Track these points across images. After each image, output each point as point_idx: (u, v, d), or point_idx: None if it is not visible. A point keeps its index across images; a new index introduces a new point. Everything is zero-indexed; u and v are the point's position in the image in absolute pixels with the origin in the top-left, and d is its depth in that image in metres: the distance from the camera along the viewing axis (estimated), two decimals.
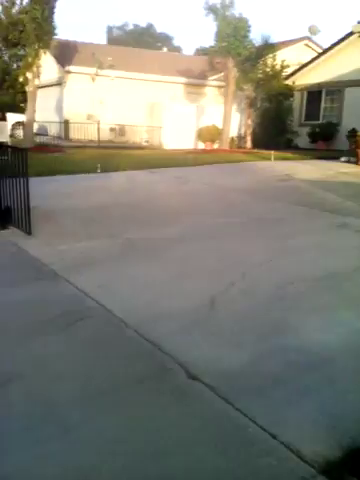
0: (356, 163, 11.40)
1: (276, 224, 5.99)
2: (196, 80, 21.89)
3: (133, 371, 2.59)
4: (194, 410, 2.27)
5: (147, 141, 19.83)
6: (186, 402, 2.33)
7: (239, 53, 17.28)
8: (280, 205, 7.09)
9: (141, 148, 17.84)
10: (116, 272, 4.21)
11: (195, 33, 66.02)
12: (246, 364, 2.66)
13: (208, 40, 57.16)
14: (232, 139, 19.05)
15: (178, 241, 5.15)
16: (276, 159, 13.10)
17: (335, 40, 17.97)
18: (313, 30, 23.18)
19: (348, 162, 11.95)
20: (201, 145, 19.19)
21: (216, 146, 18.69)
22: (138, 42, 36.15)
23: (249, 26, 17.55)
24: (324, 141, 17.42)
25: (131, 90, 20.22)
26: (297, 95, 19.62)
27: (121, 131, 20.22)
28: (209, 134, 18.84)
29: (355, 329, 3.11)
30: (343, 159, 12.30)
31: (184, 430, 2.13)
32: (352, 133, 13.79)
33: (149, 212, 6.62)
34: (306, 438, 2.05)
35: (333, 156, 13.22)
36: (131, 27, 43.95)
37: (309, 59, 19.66)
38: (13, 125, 18.12)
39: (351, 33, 15.16)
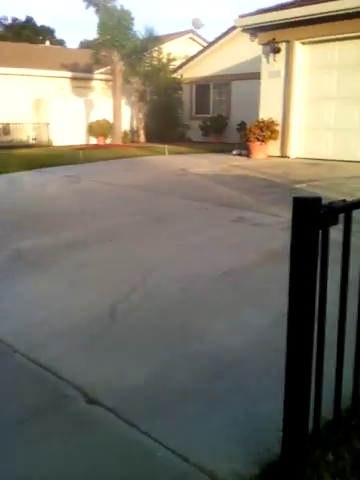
0: (247, 156, 11.71)
1: (174, 221, 5.87)
2: (83, 74, 21.21)
3: (25, 404, 2.29)
4: (96, 440, 2.03)
5: (35, 139, 18.87)
6: (87, 431, 2.10)
7: (123, 45, 17.02)
8: (177, 201, 7.00)
9: (28, 146, 16.94)
10: (2, 291, 3.79)
11: (78, 25, 64.20)
12: (151, 379, 2.48)
13: (92, 32, 55.92)
14: (125, 133, 18.80)
15: (72, 247, 4.80)
16: (170, 153, 13.06)
17: (219, 34, 18.43)
18: (197, 24, 23.57)
19: (240, 155, 12.21)
20: (93, 140, 18.76)
21: (109, 141, 18.33)
22: (18, 36, 34.22)
23: (132, 18, 17.35)
24: (216, 134, 17.82)
25: (14, 87, 19.01)
26: (186, 88, 19.86)
27: (5, 130, 18.99)
28: (100, 129, 18.44)
29: (259, 328, 3.05)
30: (235, 152, 12.56)
31: (86, 465, 1.90)
32: (241, 126, 14.18)
33: (38, 217, 6.14)
34: (220, 457, 1.91)
35: (225, 149, 13.43)
36: (9, 21, 41.32)
37: (195, 52, 19.96)
38: None
39: (234, 27, 15.55)
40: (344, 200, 1.74)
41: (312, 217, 1.57)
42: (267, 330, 2.98)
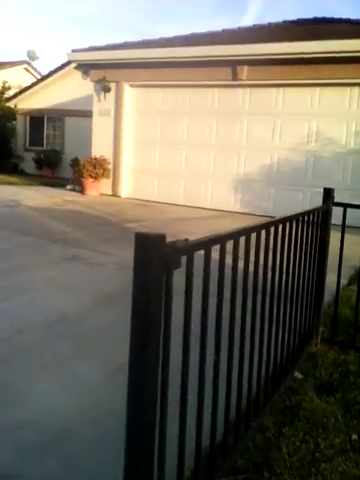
0: (81, 192, 11.47)
1: (3, 258, 5.32)
2: None
3: None
4: None
5: None
6: None
7: None
8: (7, 235, 6.43)
9: None
10: None
11: None
12: None
13: None
14: None
15: None
16: (1, 184, 12.26)
17: (53, 68, 18.09)
18: (32, 55, 23.06)
19: (74, 190, 11.97)
20: None
21: None
22: None
23: None
24: (49, 168, 17.27)
25: None
26: (20, 119, 19.03)
27: None
28: None
29: (91, 384, 2.75)
30: (69, 187, 12.29)
31: None
32: (75, 162, 13.96)
33: None
34: None
35: (59, 183, 13.09)
36: None
37: (30, 84, 19.34)
38: None
39: (69, 62, 15.34)
40: (186, 239, 1.54)
41: (156, 257, 1.30)
42: (100, 387, 2.72)
